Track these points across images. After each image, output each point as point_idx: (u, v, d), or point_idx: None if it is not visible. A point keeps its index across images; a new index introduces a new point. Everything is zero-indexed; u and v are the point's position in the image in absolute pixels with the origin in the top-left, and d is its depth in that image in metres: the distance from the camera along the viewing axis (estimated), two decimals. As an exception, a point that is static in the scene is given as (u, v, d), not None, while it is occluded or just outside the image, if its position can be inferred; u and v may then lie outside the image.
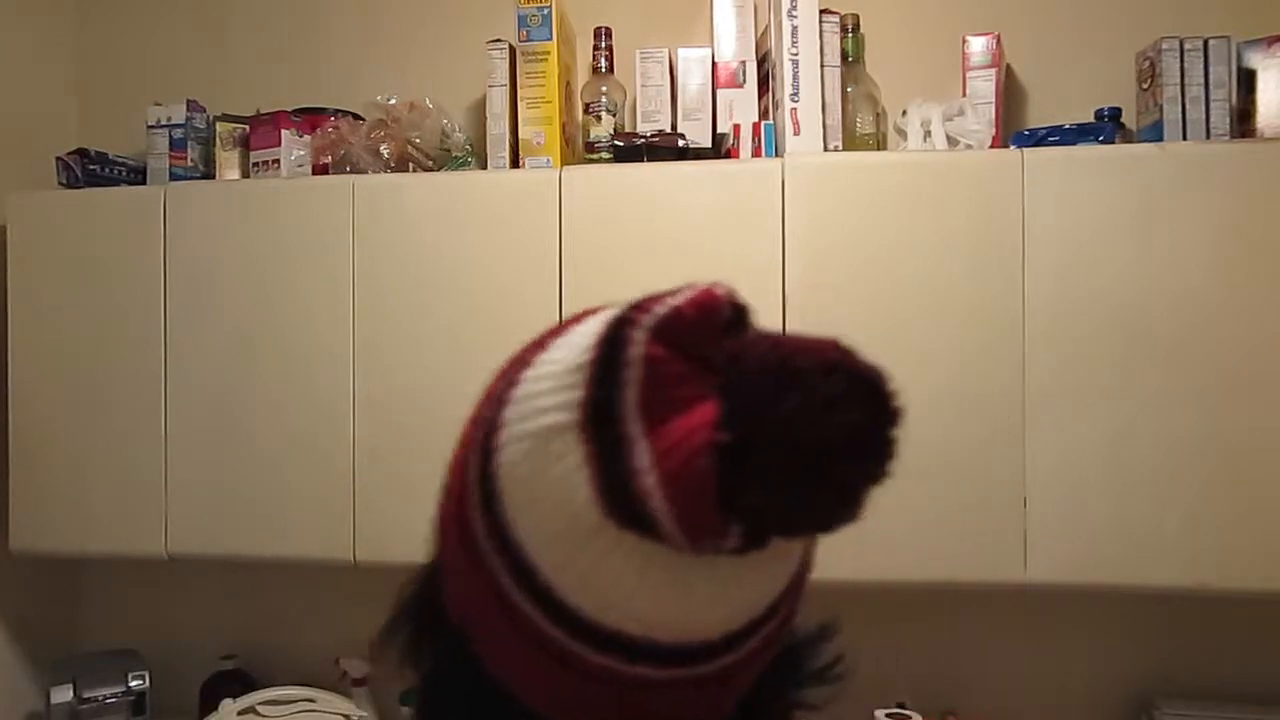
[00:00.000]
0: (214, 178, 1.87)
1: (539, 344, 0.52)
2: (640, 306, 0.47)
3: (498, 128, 1.74)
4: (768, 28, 1.69)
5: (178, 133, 1.87)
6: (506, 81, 1.73)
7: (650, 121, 1.75)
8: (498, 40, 1.74)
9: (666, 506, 0.44)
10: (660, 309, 0.47)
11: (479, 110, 1.89)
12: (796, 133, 1.61)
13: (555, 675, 0.49)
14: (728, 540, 0.45)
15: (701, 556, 0.46)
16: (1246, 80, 1.57)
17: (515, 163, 1.73)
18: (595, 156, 1.71)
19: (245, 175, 1.86)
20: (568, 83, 1.76)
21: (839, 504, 0.46)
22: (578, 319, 0.52)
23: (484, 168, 1.77)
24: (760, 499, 0.44)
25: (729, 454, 0.44)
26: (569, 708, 0.50)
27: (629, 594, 0.46)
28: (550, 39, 1.67)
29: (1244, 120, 1.57)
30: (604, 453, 0.46)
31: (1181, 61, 1.55)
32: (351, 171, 1.76)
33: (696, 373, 0.46)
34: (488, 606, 0.50)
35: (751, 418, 0.44)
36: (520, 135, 1.72)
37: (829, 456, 0.44)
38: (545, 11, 1.67)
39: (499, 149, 1.73)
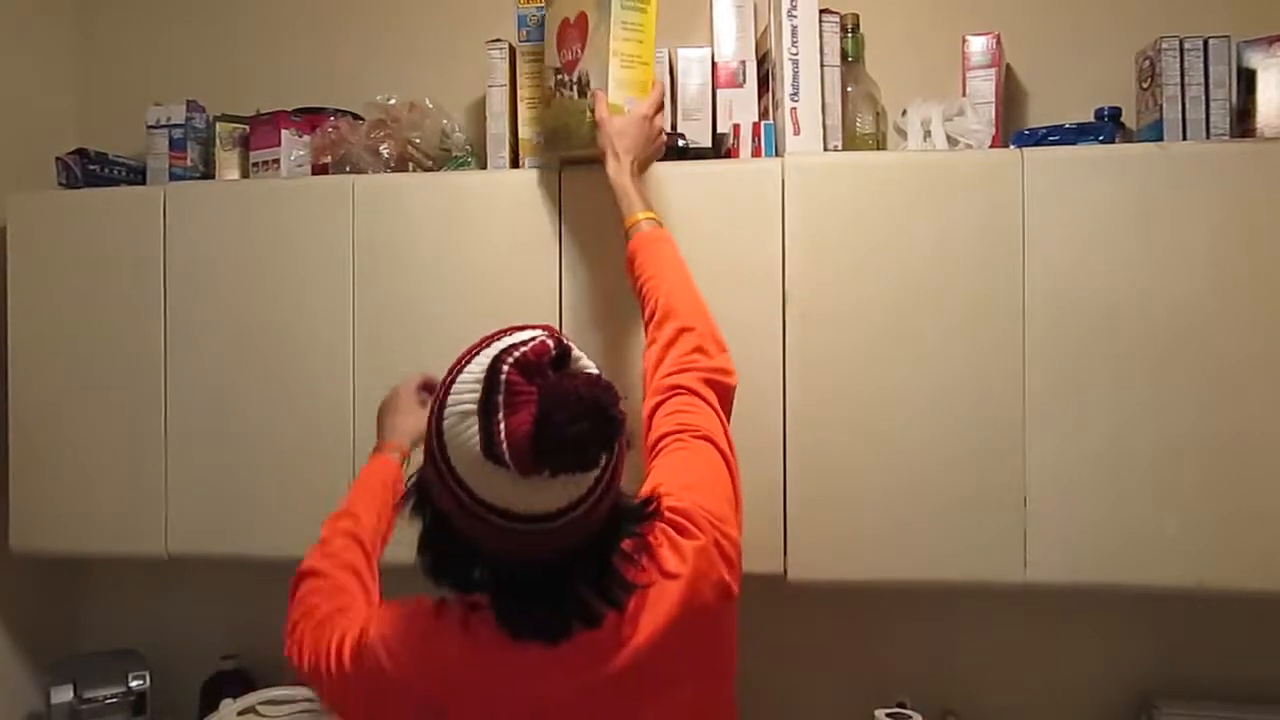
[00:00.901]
0: (214, 178, 1.87)
1: (468, 355, 0.96)
2: (508, 349, 0.92)
3: (498, 127, 1.74)
4: (768, 28, 1.69)
5: (177, 133, 1.87)
6: (506, 81, 1.73)
7: (650, 121, 1.75)
8: (498, 40, 1.74)
9: (510, 459, 0.89)
10: (518, 353, 0.92)
11: (479, 110, 1.89)
12: (796, 133, 1.61)
13: (484, 528, 0.94)
14: (543, 473, 0.90)
15: (535, 477, 0.90)
16: (1246, 80, 1.57)
17: (515, 163, 1.73)
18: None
19: (245, 175, 1.86)
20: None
21: (585, 462, 0.91)
22: (486, 342, 0.96)
23: (484, 168, 1.77)
24: (551, 457, 0.89)
25: (536, 436, 0.88)
26: (494, 543, 0.95)
27: (507, 493, 0.92)
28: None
29: (1244, 120, 1.57)
30: (485, 429, 0.91)
31: (1181, 61, 1.55)
32: (351, 171, 1.76)
33: (531, 389, 0.90)
34: (448, 496, 0.95)
35: (545, 420, 0.88)
36: (520, 135, 1.71)
37: (575, 442, 0.89)
38: (544, 12, 1.66)
39: (499, 149, 1.73)
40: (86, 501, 1.76)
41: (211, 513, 1.73)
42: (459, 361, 0.96)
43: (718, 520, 1.08)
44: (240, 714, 1.80)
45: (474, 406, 0.91)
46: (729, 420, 1.26)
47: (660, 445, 1.18)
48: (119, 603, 2.12)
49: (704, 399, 1.22)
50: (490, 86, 1.74)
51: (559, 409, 0.88)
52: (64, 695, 1.85)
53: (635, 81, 1.50)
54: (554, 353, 0.92)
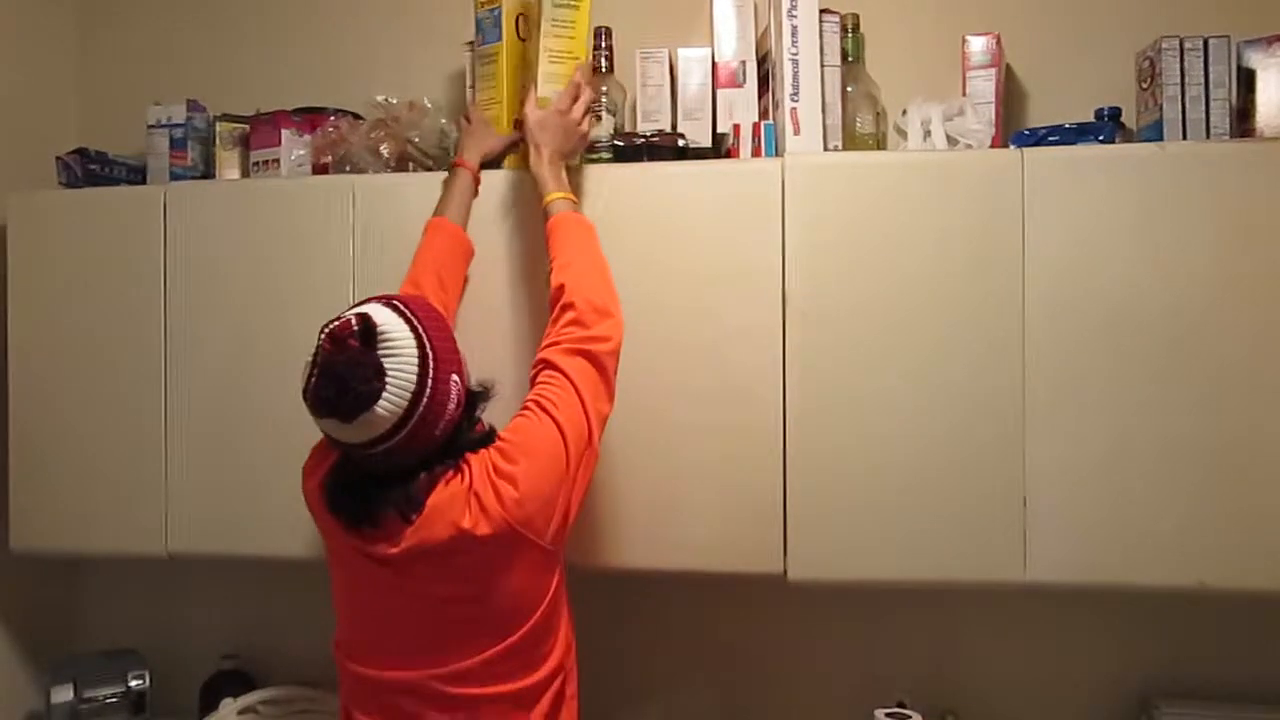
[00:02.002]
0: (214, 177, 1.87)
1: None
2: (329, 324, 1.22)
3: None
4: (768, 28, 1.69)
5: (178, 132, 1.87)
6: (473, 83, 1.73)
7: (650, 121, 1.75)
8: (471, 43, 1.74)
9: (307, 403, 1.23)
10: (330, 327, 1.22)
11: (479, 110, 1.89)
12: (796, 132, 1.61)
13: (332, 444, 1.29)
14: (329, 418, 1.21)
15: (327, 419, 1.21)
16: (1246, 80, 1.57)
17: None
18: (595, 156, 1.70)
19: (245, 175, 1.86)
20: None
21: (345, 416, 1.19)
22: (351, 308, 1.27)
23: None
24: (320, 409, 1.21)
25: (311, 392, 1.22)
26: (343, 454, 1.30)
27: (323, 425, 1.23)
28: (500, 40, 1.65)
29: (1244, 120, 1.57)
30: (306, 376, 1.22)
31: (1181, 61, 1.55)
32: (352, 171, 1.76)
33: (324, 356, 1.21)
34: None
35: (316, 380, 1.21)
36: None
37: (327, 402, 1.19)
38: (495, 13, 1.65)
39: None
40: (86, 501, 1.76)
41: (211, 512, 1.73)
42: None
43: (498, 476, 1.26)
44: (240, 713, 1.80)
45: (309, 358, 1.23)
46: (613, 374, 1.39)
47: (521, 408, 1.36)
48: (119, 602, 2.12)
49: (563, 371, 1.35)
50: (468, 87, 1.75)
51: (322, 376, 1.19)
52: (64, 695, 1.85)
53: (565, 76, 1.57)
54: (356, 329, 1.20)
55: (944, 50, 1.73)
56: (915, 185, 1.54)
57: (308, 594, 2.01)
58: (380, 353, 1.20)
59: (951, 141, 1.62)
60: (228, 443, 1.73)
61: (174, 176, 1.85)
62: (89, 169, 1.88)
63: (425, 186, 1.70)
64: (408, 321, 1.23)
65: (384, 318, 1.22)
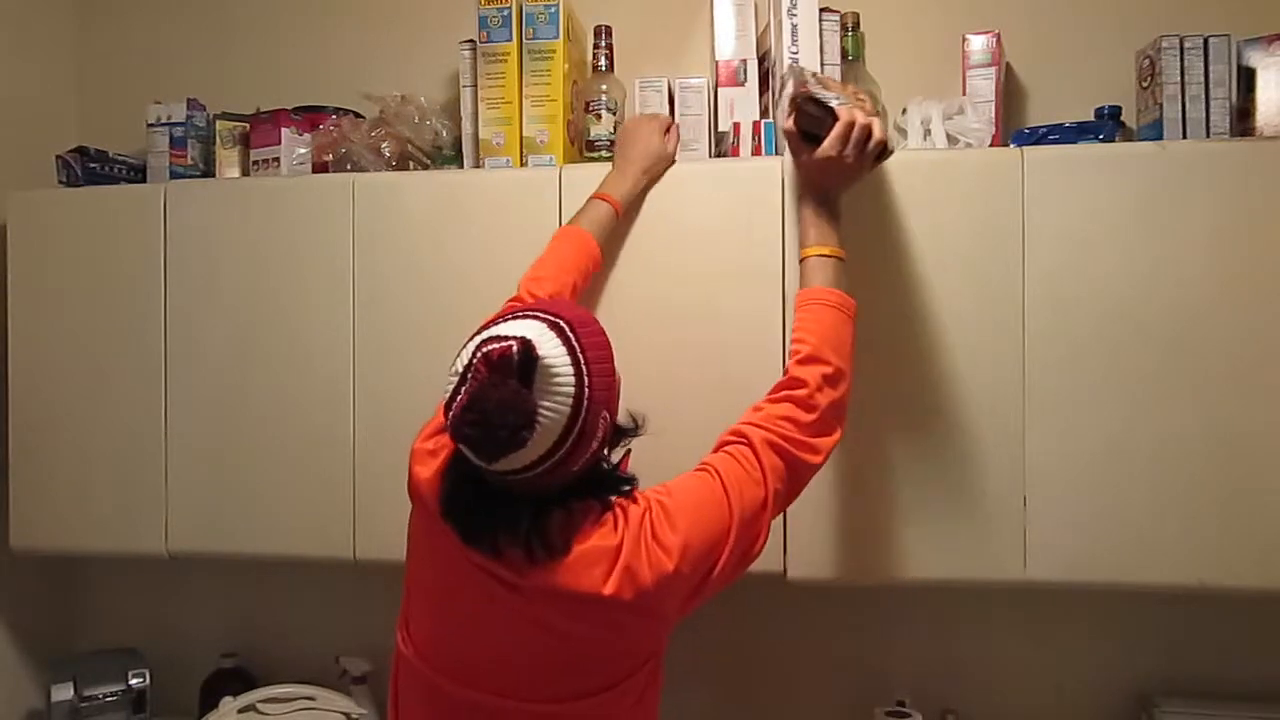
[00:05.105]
0: (214, 176, 1.87)
1: (490, 321, 1.16)
2: (484, 344, 1.10)
3: (471, 128, 1.74)
4: (768, 26, 1.69)
5: (178, 131, 1.87)
6: (473, 83, 1.74)
7: (650, 122, 1.74)
8: (470, 40, 1.74)
9: (454, 433, 1.10)
10: (490, 348, 1.09)
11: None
12: (797, 131, 1.60)
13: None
14: (471, 450, 1.10)
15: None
16: (1246, 79, 1.57)
17: (476, 163, 1.74)
18: (595, 155, 1.71)
19: (245, 173, 1.86)
20: (575, 80, 1.76)
21: (481, 456, 1.09)
22: (499, 318, 1.16)
23: (475, 166, 1.76)
24: (460, 440, 1.10)
25: (453, 420, 1.09)
26: (465, 469, 1.16)
27: (461, 449, 1.12)
28: (510, 40, 1.68)
29: (1244, 119, 1.57)
30: (453, 392, 1.10)
31: (1181, 60, 1.55)
32: (352, 170, 1.76)
33: (478, 382, 1.08)
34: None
35: (462, 411, 1.08)
36: (480, 136, 1.72)
37: (468, 439, 1.09)
38: (504, 13, 1.67)
39: (475, 149, 1.74)
40: (86, 500, 1.76)
41: (211, 512, 1.73)
42: (485, 323, 1.16)
43: (655, 543, 1.15)
44: (240, 712, 1.80)
45: (459, 371, 1.11)
46: (793, 493, 1.28)
47: (699, 466, 1.26)
48: (119, 601, 2.12)
49: (760, 459, 1.24)
50: (464, 87, 1.75)
51: (471, 409, 1.07)
52: (64, 693, 1.85)
53: (547, 118, 1.69)
54: (517, 358, 1.08)
55: (944, 49, 1.73)
56: (915, 184, 1.54)
57: (308, 593, 2.02)
58: (537, 392, 1.07)
59: (951, 140, 1.62)
60: (228, 443, 1.73)
61: (174, 175, 1.85)
62: (89, 167, 1.88)
63: (425, 184, 1.70)
64: (571, 351, 1.10)
65: (548, 349, 1.09)
